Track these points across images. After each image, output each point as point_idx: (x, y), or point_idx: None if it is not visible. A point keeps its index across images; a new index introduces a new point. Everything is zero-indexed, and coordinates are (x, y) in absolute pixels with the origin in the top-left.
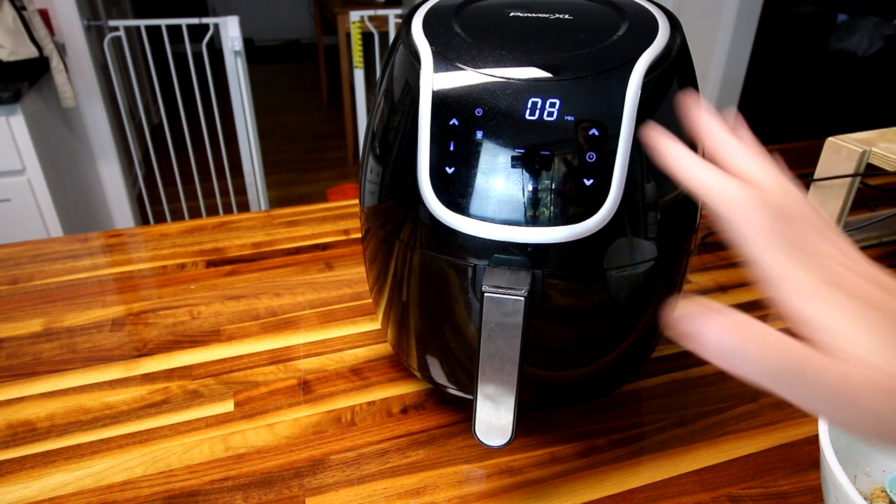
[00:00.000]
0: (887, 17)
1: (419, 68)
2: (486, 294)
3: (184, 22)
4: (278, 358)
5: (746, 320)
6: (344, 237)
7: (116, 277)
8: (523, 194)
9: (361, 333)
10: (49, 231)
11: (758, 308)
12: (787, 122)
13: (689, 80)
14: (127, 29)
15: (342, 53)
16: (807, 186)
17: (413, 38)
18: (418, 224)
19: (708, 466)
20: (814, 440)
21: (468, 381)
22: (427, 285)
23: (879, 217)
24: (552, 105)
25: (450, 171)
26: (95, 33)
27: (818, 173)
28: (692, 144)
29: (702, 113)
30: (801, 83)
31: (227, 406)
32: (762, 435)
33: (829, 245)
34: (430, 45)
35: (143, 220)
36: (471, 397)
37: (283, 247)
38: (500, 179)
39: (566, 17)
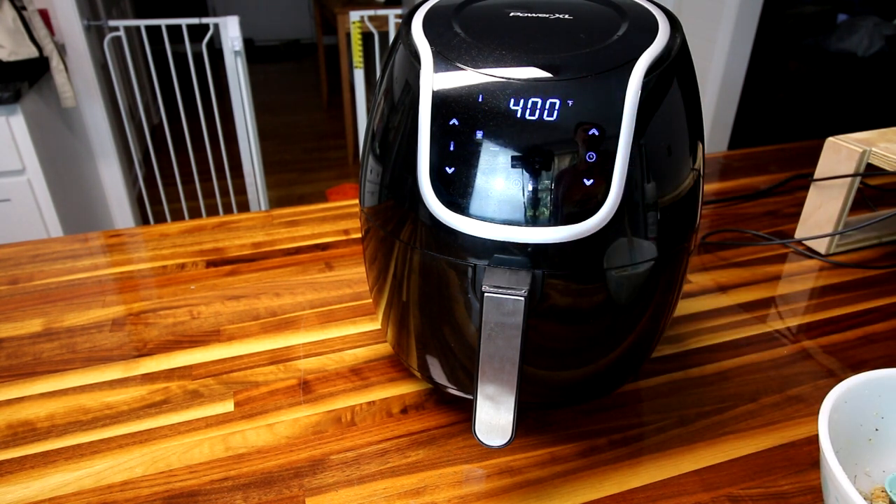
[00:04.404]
0: (887, 17)
1: (419, 68)
2: (486, 294)
3: (184, 22)
4: (278, 358)
5: None
6: (344, 237)
7: (116, 277)
8: (523, 194)
9: (361, 333)
10: (49, 231)
11: (756, 308)
12: (787, 122)
13: (689, 80)
14: (127, 29)
15: (342, 53)
16: (807, 186)
17: (413, 38)
18: (418, 224)
19: (708, 466)
20: (814, 440)
21: (468, 381)
22: (427, 285)
23: (879, 217)
24: (552, 105)
25: (450, 171)
26: (95, 33)
27: (818, 173)
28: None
29: None
30: (801, 83)
31: (227, 406)
32: (762, 435)
33: None
34: (430, 45)
35: (143, 220)
36: (471, 397)
37: (283, 247)
38: (499, 179)
39: (566, 17)
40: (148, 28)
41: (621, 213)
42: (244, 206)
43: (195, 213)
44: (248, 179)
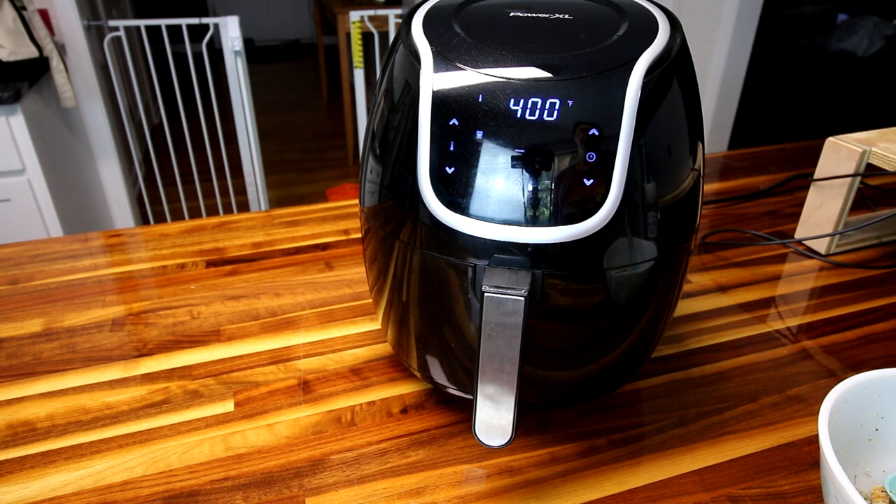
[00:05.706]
0: (887, 17)
1: (419, 68)
2: (486, 294)
3: (184, 22)
4: (278, 358)
5: None
6: (344, 237)
7: (116, 277)
8: (523, 194)
9: (361, 333)
10: (49, 231)
11: (756, 308)
12: (787, 122)
13: (689, 80)
14: (127, 29)
15: (342, 53)
16: (807, 186)
17: (413, 38)
18: (418, 224)
19: (708, 466)
20: (814, 440)
21: (468, 381)
22: (427, 285)
23: (879, 217)
24: (552, 105)
25: (450, 171)
26: (95, 33)
27: (818, 173)
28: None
29: None
30: (801, 83)
31: (227, 406)
32: (762, 435)
33: None
34: (430, 45)
35: (143, 220)
36: (471, 397)
37: (283, 247)
38: (499, 179)
39: (566, 17)
40: (148, 28)
41: (621, 213)
42: (244, 206)
43: (195, 213)
44: (248, 179)
